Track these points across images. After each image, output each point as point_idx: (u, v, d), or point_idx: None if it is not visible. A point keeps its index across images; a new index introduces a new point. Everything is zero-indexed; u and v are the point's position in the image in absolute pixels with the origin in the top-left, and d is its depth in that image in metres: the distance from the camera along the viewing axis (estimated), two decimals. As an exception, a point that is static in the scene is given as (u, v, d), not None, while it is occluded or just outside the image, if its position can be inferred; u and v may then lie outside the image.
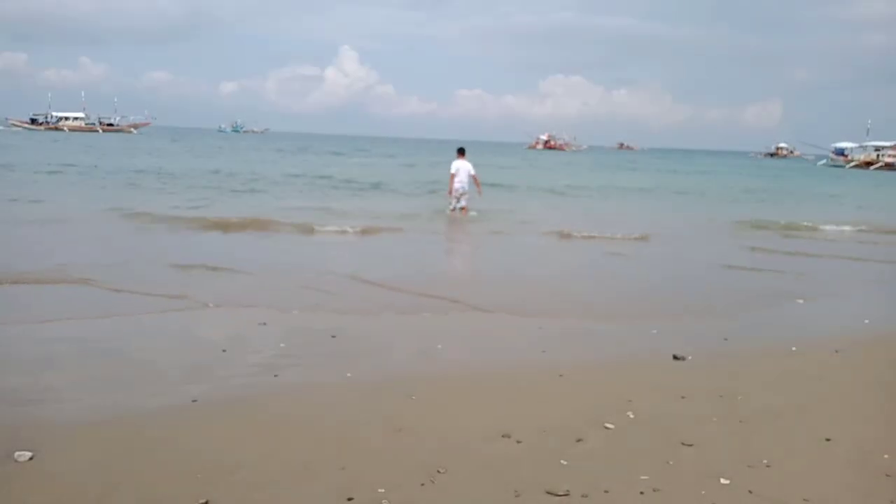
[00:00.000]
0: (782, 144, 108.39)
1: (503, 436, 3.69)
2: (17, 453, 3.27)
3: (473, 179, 13.55)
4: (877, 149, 68.73)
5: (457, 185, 13.47)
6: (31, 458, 3.25)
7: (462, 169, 13.41)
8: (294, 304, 6.52)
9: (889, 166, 62.89)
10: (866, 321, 6.80)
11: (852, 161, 68.71)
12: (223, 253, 9.51)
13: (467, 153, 13.73)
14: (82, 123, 75.28)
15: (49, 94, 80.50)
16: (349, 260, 9.57)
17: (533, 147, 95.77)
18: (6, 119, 77.61)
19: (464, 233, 13.37)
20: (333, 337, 5.46)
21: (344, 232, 11.87)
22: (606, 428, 3.86)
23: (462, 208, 13.70)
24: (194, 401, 4.04)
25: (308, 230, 11.88)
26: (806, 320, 6.97)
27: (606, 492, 3.15)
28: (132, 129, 78.81)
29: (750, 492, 3.19)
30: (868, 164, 65.57)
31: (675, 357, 5.25)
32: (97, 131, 73.00)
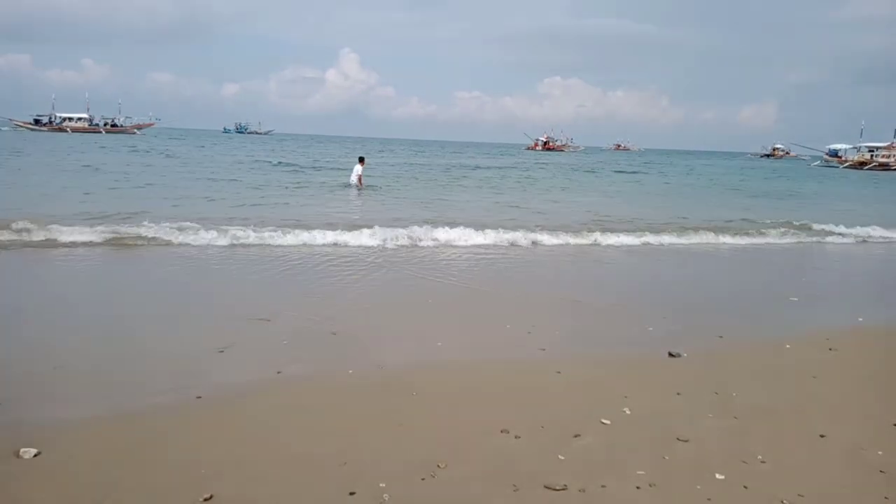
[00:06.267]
0: (778, 146, 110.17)
1: (502, 431, 3.75)
2: (22, 450, 3.31)
3: (358, 179, 20.14)
4: (870, 149, 69.51)
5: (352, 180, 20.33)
6: (36, 455, 3.29)
7: (354, 171, 20.34)
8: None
9: (883, 166, 63.45)
10: (860, 319, 6.87)
11: (846, 161, 69.44)
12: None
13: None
14: (86, 124, 75.01)
15: (53, 95, 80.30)
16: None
17: (532, 148, 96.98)
18: (9, 120, 77.04)
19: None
20: (334, 334, 5.50)
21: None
22: (603, 423, 3.91)
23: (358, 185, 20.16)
24: (199, 397, 4.08)
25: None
26: (800, 318, 7.03)
27: (603, 486, 3.20)
28: (135, 130, 78.52)
29: (745, 487, 3.25)
30: (862, 164, 66.26)
31: (671, 354, 5.31)
32: (100, 132, 72.65)
